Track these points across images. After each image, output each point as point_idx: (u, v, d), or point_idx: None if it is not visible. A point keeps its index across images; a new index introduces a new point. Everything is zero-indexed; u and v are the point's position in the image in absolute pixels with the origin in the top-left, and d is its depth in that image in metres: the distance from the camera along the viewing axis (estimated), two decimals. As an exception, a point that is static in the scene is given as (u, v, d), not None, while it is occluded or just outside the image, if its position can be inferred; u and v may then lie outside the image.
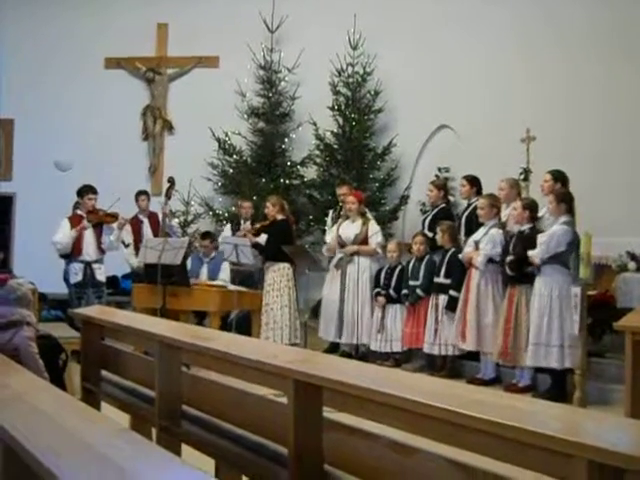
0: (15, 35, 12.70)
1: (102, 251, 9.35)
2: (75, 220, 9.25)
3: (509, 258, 7.45)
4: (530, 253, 7.19)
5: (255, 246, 9.45)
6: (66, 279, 9.22)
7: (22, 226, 12.60)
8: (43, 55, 12.64)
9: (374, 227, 9.29)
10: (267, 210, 9.52)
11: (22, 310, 5.35)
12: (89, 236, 9.22)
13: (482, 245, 7.83)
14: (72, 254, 9.15)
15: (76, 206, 9.57)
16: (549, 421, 2.43)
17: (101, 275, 9.31)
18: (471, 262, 7.92)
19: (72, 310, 6.08)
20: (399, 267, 8.94)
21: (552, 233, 7.14)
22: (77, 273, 9.12)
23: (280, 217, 9.45)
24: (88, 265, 9.17)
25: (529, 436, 2.25)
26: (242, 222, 10.15)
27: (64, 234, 9.13)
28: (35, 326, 5.39)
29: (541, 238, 7.18)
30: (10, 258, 12.30)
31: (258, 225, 9.56)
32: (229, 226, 10.45)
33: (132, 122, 12.66)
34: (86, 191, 9.30)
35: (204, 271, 9.69)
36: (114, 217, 9.40)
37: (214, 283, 9.37)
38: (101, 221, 9.28)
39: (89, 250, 9.20)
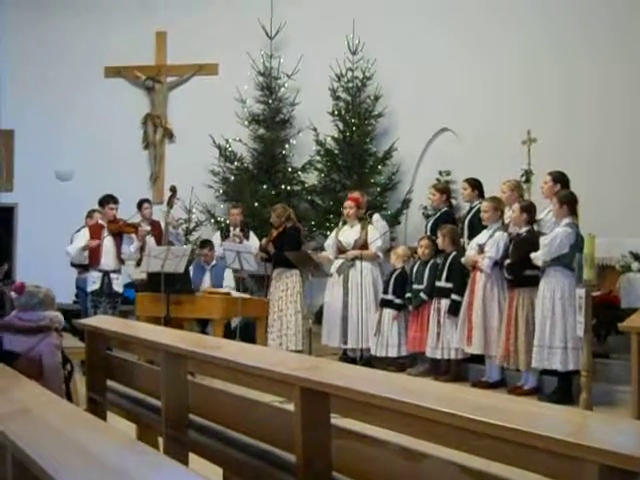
0: (15, 46, 12.71)
1: (121, 261, 9.33)
2: (95, 229, 9.21)
3: (506, 262, 7.49)
4: (533, 255, 7.20)
5: (269, 255, 9.52)
6: (79, 287, 9.20)
7: (24, 237, 12.60)
8: (43, 65, 12.66)
9: (374, 232, 9.28)
10: (274, 220, 9.54)
11: (49, 313, 5.36)
12: (109, 245, 9.15)
13: (487, 248, 7.82)
14: (90, 263, 9.12)
15: (89, 215, 9.59)
16: (559, 425, 2.42)
17: (118, 285, 9.25)
18: (475, 265, 7.92)
19: (77, 320, 6.07)
20: (397, 272, 8.94)
21: (555, 235, 7.14)
22: (95, 282, 9.07)
23: (290, 224, 9.47)
24: (106, 274, 9.11)
25: (539, 440, 2.23)
26: (232, 229, 10.20)
27: (78, 245, 9.11)
28: (60, 330, 5.38)
29: (544, 240, 7.19)
30: (12, 269, 12.30)
31: (275, 233, 9.57)
32: (218, 233, 10.51)
33: (132, 131, 12.67)
34: (107, 201, 9.27)
35: (207, 279, 9.70)
36: (134, 227, 9.40)
37: (220, 290, 9.39)
38: (121, 231, 9.26)
39: (108, 259, 9.13)
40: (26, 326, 5.19)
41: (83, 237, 9.17)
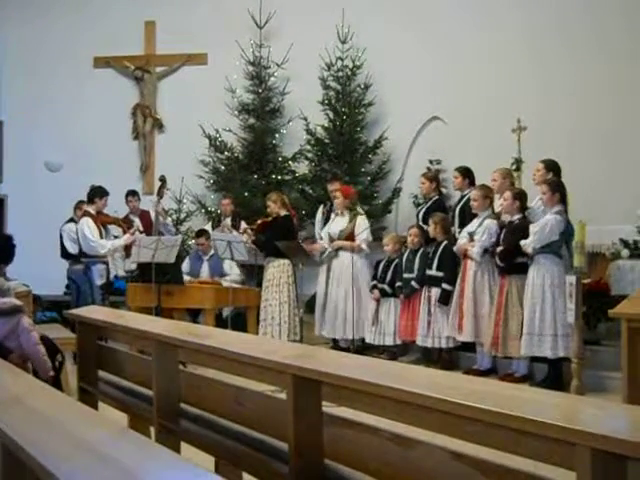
0: (3, 38, 12.64)
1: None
2: (97, 221, 9.25)
3: (498, 249, 7.51)
4: (523, 242, 7.22)
5: (256, 243, 9.42)
6: (70, 278, 9.18)
7: (14, 228, 12.54)
8: (31, 56, 12.58)
9: (363, 223, 9.31)
10: (269, 208, 9.47)
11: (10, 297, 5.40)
12: (104, 237, 9.30)
13: (477, 236, 7.83)
14: (97, 255, 9.18)
15: (78, 206, 9.59)
16: (550, 410, 2.43)
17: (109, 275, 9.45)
18: (466, 253, 7.93)
19: (68, 311, 6.06)
20: (395, 261, 8.94)
21: (545, 222, 7.15)
22: (102, 275, 9.20)
23: (283, 213, 9.39)
24: (107, 265, 9.28)
25: (532, 425, 2.24)
26: (222, 219, 10.18)
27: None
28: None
29: (534, 227, 7.21)
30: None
31: (259, 221, 9.53)
32: (210, 224, 10.49)
33: (122, 121, 12.61)
34: (104, 193, 9.36)
35: (205, 269, 9.67)
36: (129, 225, 9.53)
37: (227, 279, 9.39)
38: (112, 224, 9.43)
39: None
40: (6, 307, 5.23)
41: (94, 230, 9.11)
